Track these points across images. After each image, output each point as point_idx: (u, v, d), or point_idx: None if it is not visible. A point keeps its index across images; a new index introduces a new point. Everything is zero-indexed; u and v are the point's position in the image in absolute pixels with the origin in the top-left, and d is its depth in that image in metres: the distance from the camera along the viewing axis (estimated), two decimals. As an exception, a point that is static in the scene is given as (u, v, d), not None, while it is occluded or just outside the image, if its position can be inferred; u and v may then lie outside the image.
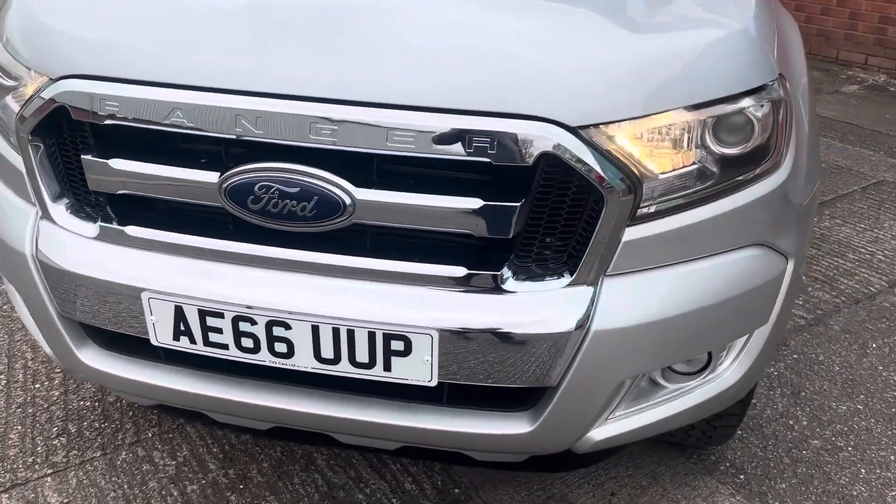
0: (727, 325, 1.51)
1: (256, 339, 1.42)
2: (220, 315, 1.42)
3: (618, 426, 1.53)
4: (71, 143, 1.48)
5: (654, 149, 1.37)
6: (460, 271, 1.36)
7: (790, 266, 1.58)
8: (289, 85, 1.32)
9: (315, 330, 1.39)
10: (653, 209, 1.38)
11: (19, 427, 2.28)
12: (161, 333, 1.47)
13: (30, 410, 2.34)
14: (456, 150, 1.30)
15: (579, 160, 1.30)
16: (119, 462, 2.16)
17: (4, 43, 1.56)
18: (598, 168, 1.30)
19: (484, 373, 1.40)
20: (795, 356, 2.68)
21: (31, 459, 2.16)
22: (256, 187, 1.34)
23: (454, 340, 1.37)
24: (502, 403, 1.48)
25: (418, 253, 1.39)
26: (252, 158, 1.36)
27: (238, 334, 1.43)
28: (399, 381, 1.42)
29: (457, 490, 2.09)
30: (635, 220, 1.37)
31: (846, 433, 2.33)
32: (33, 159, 1.49)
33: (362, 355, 1.40)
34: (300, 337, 1.40)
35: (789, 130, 1.54)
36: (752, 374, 1.64)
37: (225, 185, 1.36)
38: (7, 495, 2.05)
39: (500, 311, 1.37)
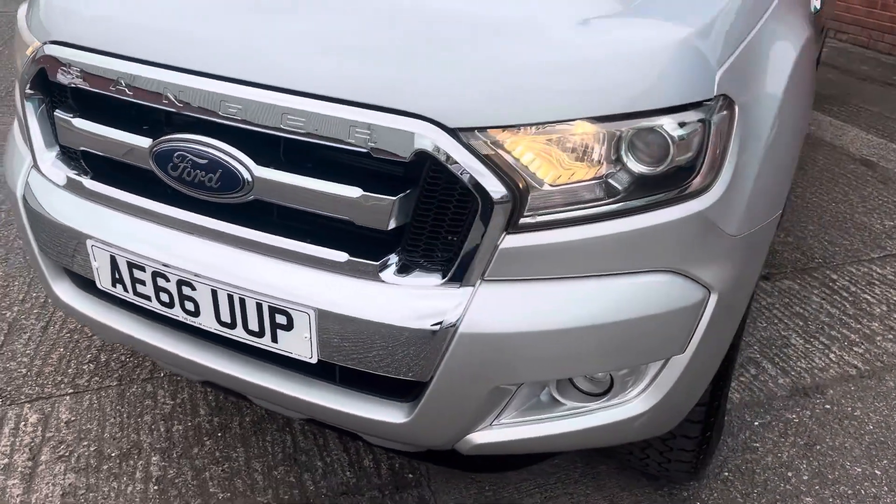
0: (626, 348, 1.45)
1: (171, 295, 1.56)
2: (143, 269, 1.56)
3: (503, 433, 1.52)
4: (53, 101, 1.68)
5: (550, 158, 1.35)
6: (342, 256, 1.41)
7: (713, 299, 1.48)
8: (205, 63, 1.43)
9: (214, 294, 1.50)
10: (539, 219, 1.35)
11: (62, 349, 2.58)
12: (103, 279, 1.64)
13: (76, 337, 2.64)
14: (339, 138, 1.35)
15: (454, 162, 1.30)
16: (129, 394, 2.40)
17: (26, 14, 1.79)
18: (472, 172, 1.30)
19: (360, 358, 1.44)
20: (827, 406, 2.47)
21: (59, 378, 2.45)
22: (175, 155, 1.46)
23: (330, 322, 1.42)
24: (385, 391, 1.51)
25: (312, 235, 1.45)
26: (178, 129, 1.49)
27: (157, 288, 1.56)
28: (285, 353, 1.50)
29: (410, 475, 2.13)
30: (518, 228, 1.35)
31: (847, 496, 2.12)
32: (29, 113, 1.71)
33: (253, 324, 1.49)
34: (203, 298, 1.52)
35: (723, 155, 1.44)
36: (667, 407, 1.56)
37: (153, 151, 1.49)
38: (29, 405, 2.35)
39: (373, 300, 1.40)
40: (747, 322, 2.81)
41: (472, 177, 1.31)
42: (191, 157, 1.45)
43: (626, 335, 1.43)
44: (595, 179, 1.37)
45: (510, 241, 1.36)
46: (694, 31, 1.41)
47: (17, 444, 2.21)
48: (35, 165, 1.74)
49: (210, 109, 1.43)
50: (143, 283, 1.58)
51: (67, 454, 2.18)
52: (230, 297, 1.49)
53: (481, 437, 1.51)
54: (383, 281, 1.40)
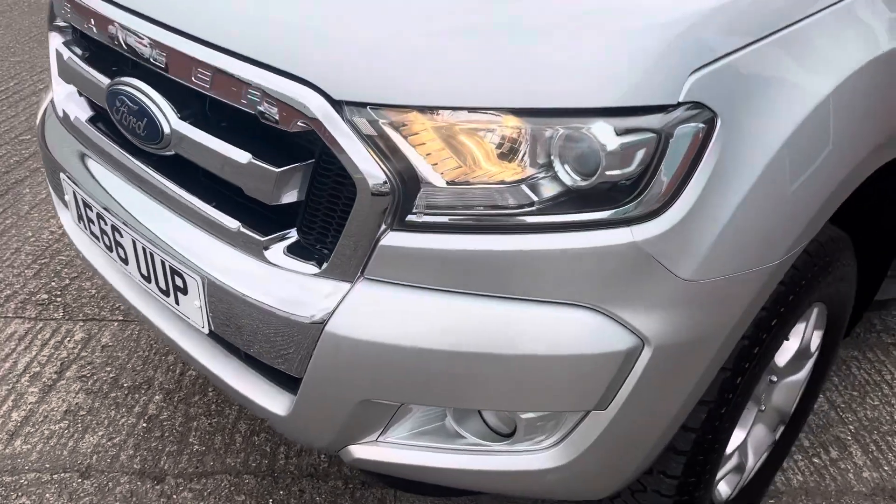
0: (523, 389, 1.22)
1: (109, 239, 1.55)
2: (91, 208, 1.57)
3: (388, 453, 1.34)
4: (66, 39, 1.73)
5: (452, 151, 1.15)
6: (234, 224, 1.32)
7: (647, 352, 1.20)
8: (140, 3, 1.39)
9: (134, 244, 1.47)
10: (429, 220, 1.16)
11: (132, 279, 2.74)
12: (73, 212, 1.67)
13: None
14: (236, 98, 1.24)
15: (333, 138, 1.15)
16: (167, 332, 2.49)
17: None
18: (349, 153, 1.14)
19: (244, 339, 1.34)
20: (913, 518, 1.98)
21: (117, 305, 2.60)
22: (118, 98, 1.44)
23: (216, 292, 1.33)
24: (278, 378, 1.40)
25: (224, 201, 1.37)
26: (131, 73, 1.46)
27: (101, 230, 1.57)
28: (185, 317, 1.43)
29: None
30: (404, 225, 1.17)
31: None
32: (50, 47, 1.78)
33: (161, 281, 1.44)
34: (129, 248, 1.49)
35: (685, 178, 1.15)
36: (589, 468, 1.30)
37: (107, 91, 1.48)
38: (82, 324, 2.51)
39: (252, 277, 1.29)
40: (848, 396, 2.34)
41: (349, 158, 1.14)
42: (128, 101, 1.41)
43: (522, 373, 1.20)
44: (506, 184, 1.15)
45: (393, 239, 1.18)
46: (661, 20, 1.13)
47: (54, 356, 2.37)
48: (53, 97, 1.81)
49: (142, 54, 1.38)
50: (93, 222, 1.59)
51: (88, 375, 2.30)
52: (145, 251, 1.45)
53: (363, 451, 1.35)
54: (266, 259, 1.29)
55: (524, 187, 1.15)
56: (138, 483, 1.96)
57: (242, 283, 1.30)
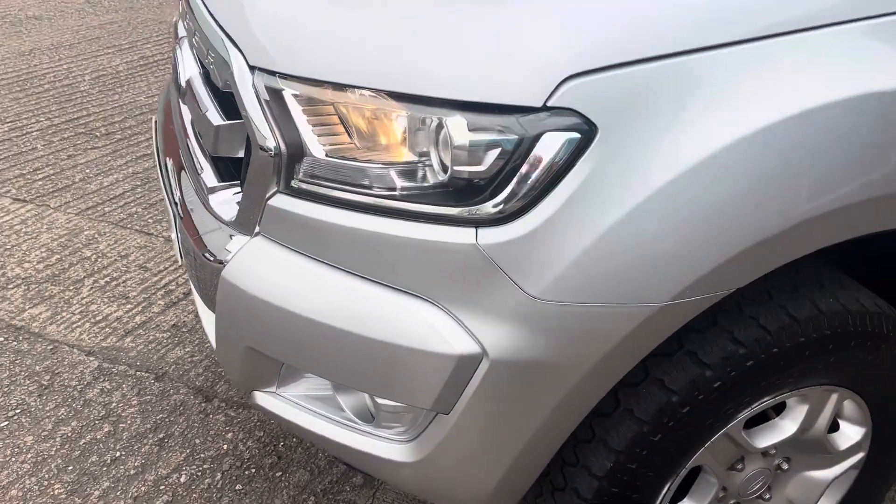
0: (370, 370, 1.22)
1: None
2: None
3: (281, 407, 1.41)
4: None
5: (337, 126, 1.19)
6: (200, 171, 1.48)
7: (486, 364, 1.13)
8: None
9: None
10: (309, 188, 1.22)
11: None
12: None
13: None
14: (209, 49, 1.40)
15: (241, 98, 1.26)
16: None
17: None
18: (250, 113, 1.24)
19: (194, 273, 1.51)
20: None
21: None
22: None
23: (182, 226, 1.51)
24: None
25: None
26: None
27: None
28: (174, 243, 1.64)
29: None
30: (290, 190, 1.24)
31: None
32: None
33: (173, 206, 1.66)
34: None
35: (547, 188, 1.07)
36: (442, 471, 1.26)
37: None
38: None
39: (200, 217, 1.45)
40: None
41: (248, 117, 1.24)
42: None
43: (369, 355, 1.20)
44: (377, 164, 1.17)
45: (280, 201, 1.25)
46: (537, 14, 1.07)
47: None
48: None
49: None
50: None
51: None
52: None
53: (263, 399, 1.44)
54: (209, 204, 1.43)
55: (392, 172, 1.15)
56: (191, 397, 2.23)
57: (198, 223, 1.46)
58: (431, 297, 1.15)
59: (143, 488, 1.94)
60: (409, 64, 1.12)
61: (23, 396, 2.22)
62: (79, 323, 2.53)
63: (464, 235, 1.10)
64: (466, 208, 1.10)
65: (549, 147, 1.06)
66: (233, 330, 1.37)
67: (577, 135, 1.06)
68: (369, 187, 1.17)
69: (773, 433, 1.44)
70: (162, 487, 1.95)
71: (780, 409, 1.45)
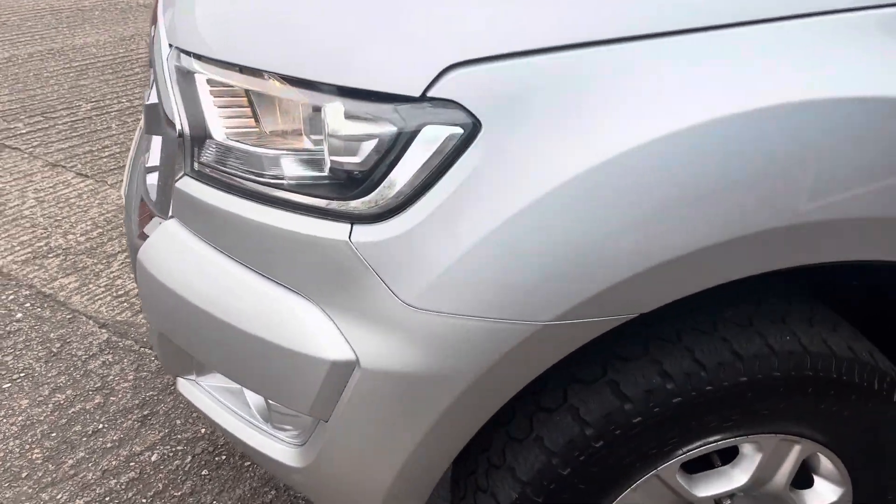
0: (255, 367, 1.16)
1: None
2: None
3: (198, 396, 1.38)
4: None
5: (237, 108, 1.14)
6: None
7: (358, 374, 1.05)
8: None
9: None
10: (207, 172, 1.17)
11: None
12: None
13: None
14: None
15: (160, 75, 1.23)
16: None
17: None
18: (164, 91, 1.21)
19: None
20: None
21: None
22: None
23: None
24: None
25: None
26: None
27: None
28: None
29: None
30: (194, 173, 1.20)
31: None
32: None
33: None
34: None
35: (424, 186, 0.98)
36: (326, 479, 1.19)
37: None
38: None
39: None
40: None
41: (161, 96, 1.21)
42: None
43: (252, 351, 1.14)
44: (269, 151, 1.11)
45: (185, 184, 1.21)
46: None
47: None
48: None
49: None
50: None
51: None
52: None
53: (184, 386, 1.41)
54: (146, 184, 1.41)
55: (283, 160, 1.09)
56: (184, 378, 2.25)
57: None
58: (311, 296, 1.08)
59: (114, 462, 1.97)
60: (302, 46, 1.05)
61: (30, 361, 2.30)
62: (101, 295, 2.61)
63: (338, 231, 1.03)
64: (342, 202, 1.02)
65: (429, 141, 0.97)
66: (148, 313, 1.35)
67: (459, 130, 0.96)
68: (261, 175, 1.11)
69: (719, 482, 1.28)
70: (132, 464, 1.97)
71: (735, 455, 1.29)
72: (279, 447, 1.25)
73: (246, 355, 1.15)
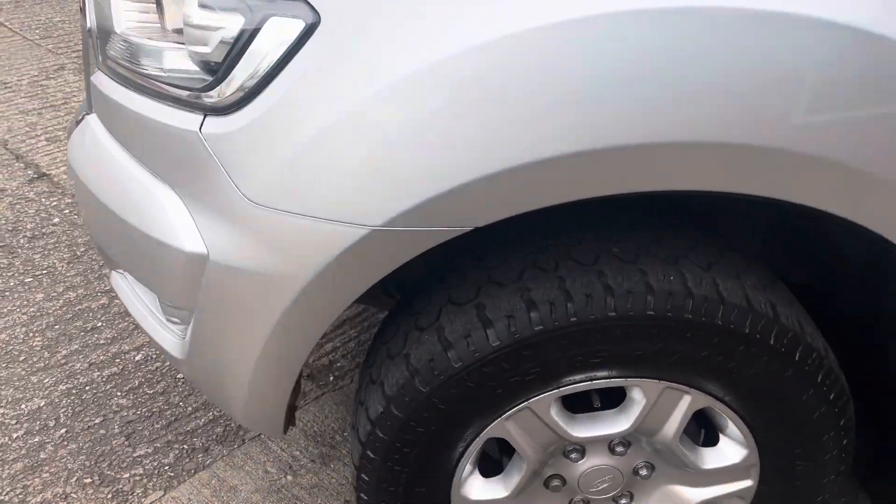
0: (129, 253, 1.22)
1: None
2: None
3: (123, 290, 1.43)
4: None
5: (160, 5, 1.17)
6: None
7: (209, 266, 1.07)
8: None
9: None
10: (109, 65, 1.21)
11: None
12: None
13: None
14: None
15: (82, -28, 1.27)
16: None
17: None
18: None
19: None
20: None
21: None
22: None
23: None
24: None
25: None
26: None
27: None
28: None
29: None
30: (105, 67, 1.24)
31: None
32: None
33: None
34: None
35: (267, 78, 0.98)
36: (203, 372, 1.24)
37: None
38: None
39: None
40: None
41: (86, -8, 1.26)
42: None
43: (131, 240, 1.19)
44: (153, 42, 1.13)
45: (97, 79, 1.26)
46: None
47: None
48: None
49: None
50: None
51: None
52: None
53: (114, 279, 1.47)
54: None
55: (165, 53, 1.12)
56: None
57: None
58: (176, 187, 1.11)
59: (102, 357, 2.10)
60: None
61: (55, 261, 2.48)
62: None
63: (192, 122, 1.05)
64: (197, 94, 1.04)
65: (272, 34, 0.97)
66: (79, 207, 1.42)
67: (301, 23, 0.95)
68: (145, 67, 1.14)
69: (599, 424, 1.23)
70: (118, 360, 2.09)
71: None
72: (169, 339, 1.30)
73: (126, 243, 1.20)
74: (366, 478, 1.26)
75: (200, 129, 1.03)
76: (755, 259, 1.24)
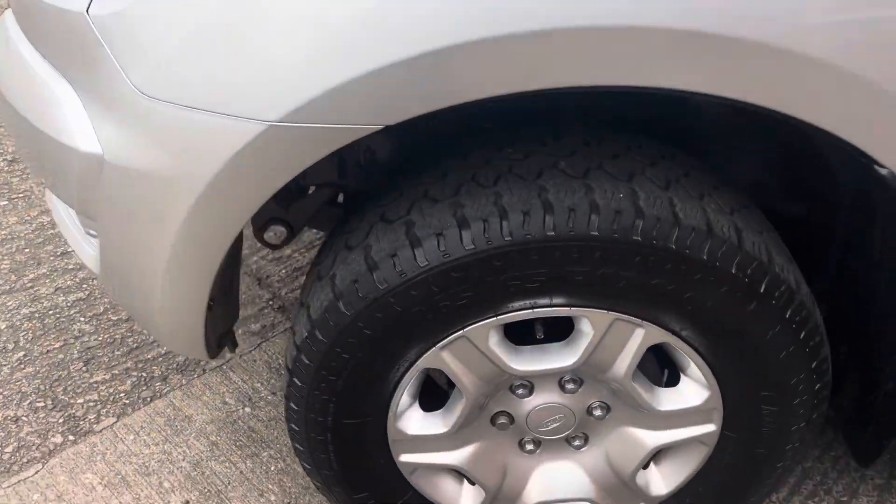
0: (39, 157, 1.12)
1: None
2: None
3: (55, 208, 1.36)
4: None
5: None
6: None
7: (105, 168, 0.98)
8: None
9: None
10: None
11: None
12: None
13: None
14: None
15: None
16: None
17: None
18: None
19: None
20: None
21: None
22: None
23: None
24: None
25: None
26: None
27: None
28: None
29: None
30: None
31: None
32: None
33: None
34: None
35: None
36: (114, 279, 1.16)
37: None
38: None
39: None
40: None
41: None
42: None
43: (29, 136, 1.10)
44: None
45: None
46: None
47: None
48: None
49: None
50: None
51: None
52: None
53: (48, 194, 1.40)
54: None
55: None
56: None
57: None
58: (73, 82, 1.01)
59: (69, 282, 2.04)
60: None
61: (32, 185, 2.41)
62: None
63: (80, 3, 0.93)
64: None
65: None
66: None
67: None
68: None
69: (543, 357, 1.12)
70: (84, 286, 2.03)
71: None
72: (88, 253, 1.21)
73: (29, 143, 1.11)
74: (294, 406, 1.17)
75: (87, 9, 0.92)
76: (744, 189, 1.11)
